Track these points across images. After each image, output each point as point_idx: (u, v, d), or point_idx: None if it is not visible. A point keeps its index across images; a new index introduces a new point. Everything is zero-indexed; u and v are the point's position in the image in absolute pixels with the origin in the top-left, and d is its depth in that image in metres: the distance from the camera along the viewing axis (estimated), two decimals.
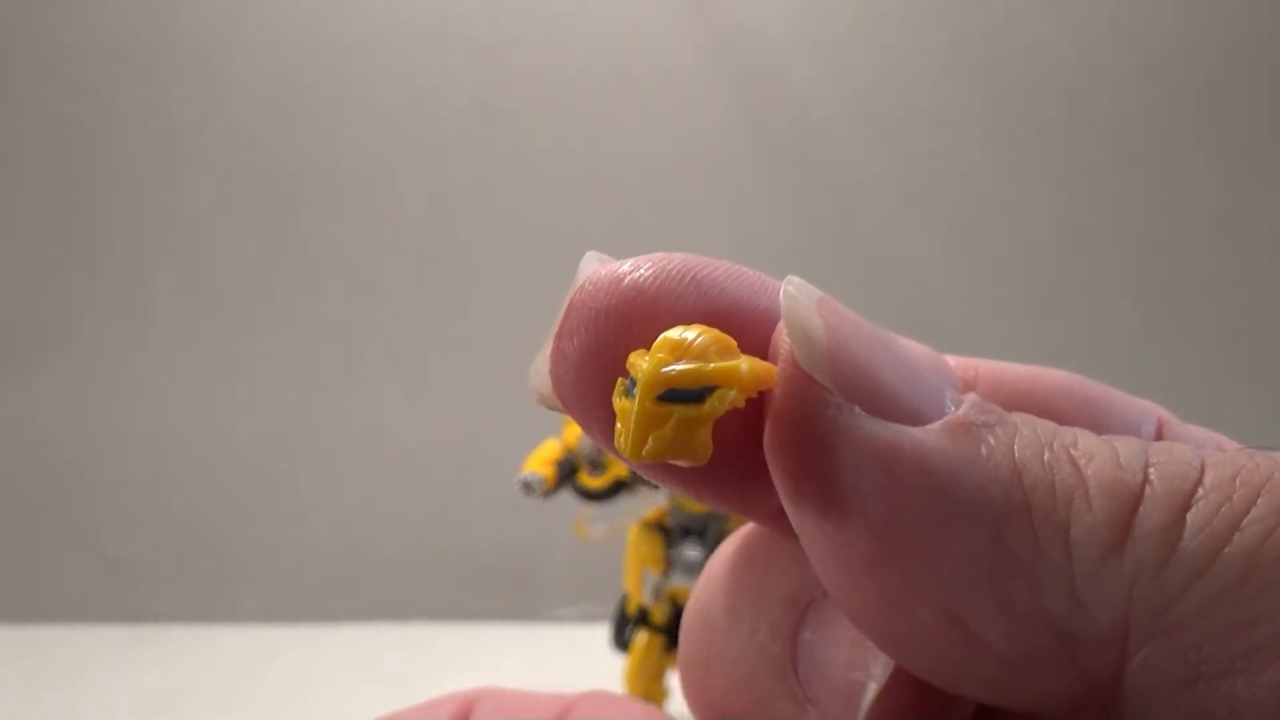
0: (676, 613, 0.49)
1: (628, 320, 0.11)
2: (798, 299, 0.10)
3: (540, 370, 0.11)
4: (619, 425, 0.10)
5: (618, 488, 0.49)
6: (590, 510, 0.50)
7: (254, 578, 0.77)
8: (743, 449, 0.11)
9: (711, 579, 0.13)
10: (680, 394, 0.10)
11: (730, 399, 0.10)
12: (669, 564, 0.47)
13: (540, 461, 0.46)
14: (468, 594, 0.76)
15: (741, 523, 0.40)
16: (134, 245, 0.81)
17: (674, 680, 0.51)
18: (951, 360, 0.12)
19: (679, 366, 0.10)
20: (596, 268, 0.11)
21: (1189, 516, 0.09)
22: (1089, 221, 0.83)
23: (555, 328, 0.11)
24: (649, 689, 0.48)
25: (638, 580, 0.48)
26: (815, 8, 0.82)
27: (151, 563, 0.77)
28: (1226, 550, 0.09)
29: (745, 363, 0.10)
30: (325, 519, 0.79)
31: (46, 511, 0.78)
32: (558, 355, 0.11)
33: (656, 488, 0.46)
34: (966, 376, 0.12)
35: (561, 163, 0.82)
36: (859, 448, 0.10)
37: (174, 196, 0.81)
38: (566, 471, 0.47)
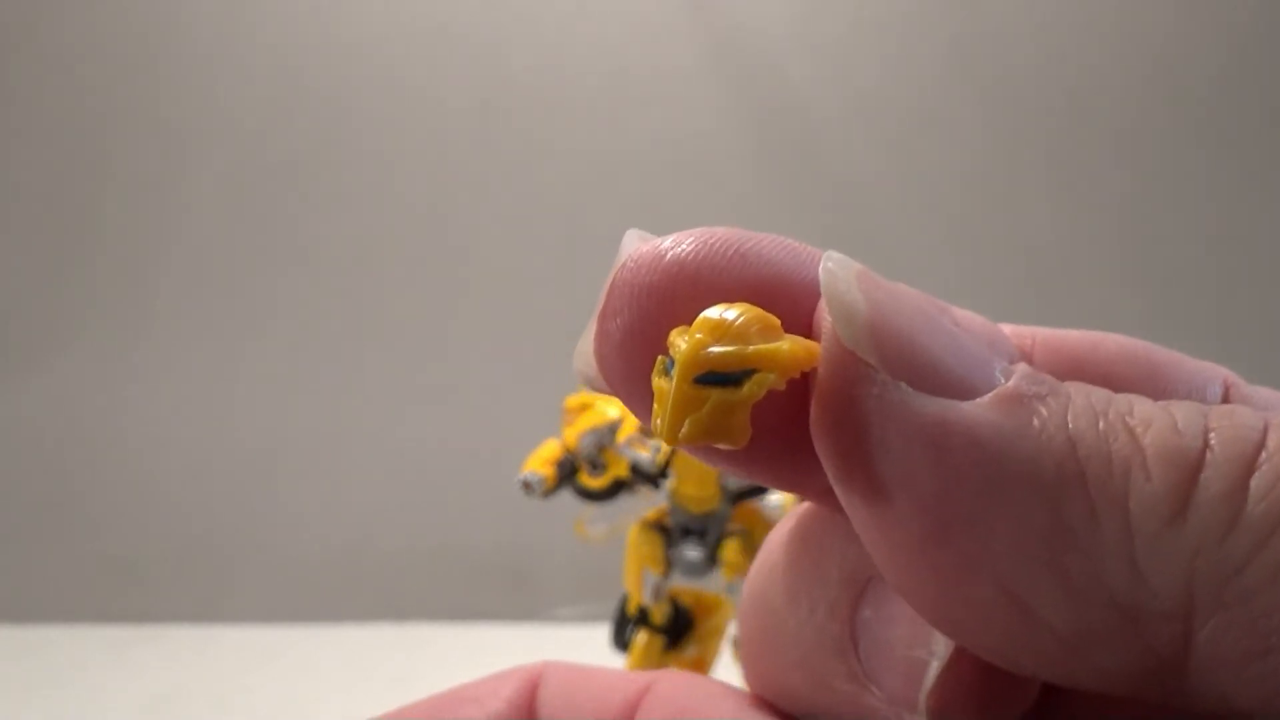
0: (677, 613, 0.49)
1: (670, 297, 0.10)
2: (837, 274, 0.10)
3: (585, 351, 0.11)
4: (656, 406, 0.10)
5: (618, 488, 0.49)
6: (590, 510, 0.50)
7: (254, 578, 0.77)
8: (789, 427, 0.10)
9: (768, 558, 0.12)
10: (719, 377, 0.10)
11: (769, 382, 0.10)
12: (669, 564, 0.47)
13: (540, 461, 0.46)
14: (468, 594, 0.76)
15: (740, 522, 0.40)
16: (134, 245, 0.81)
17: None
18: (1007, 329, 0.12)
19: (718, 348, 0.10)
20: (638, 245, 0.11)
21: (1252, 482, 0.09)
22: (1089, 221, 0.83)
23: (598, 307, 0.11)
24: None
25: (638, 580, 0.48)
26: (815, 8, 0.82)
27: (151, 563, 0.77)
28: None
29: (787, 344, 0.10)
30: (325, 519, 0.79)
31: (46, 511, 0.78)
32: (601, 335, 0.11)
33: (657, 487, 0.46)
34: (1023, 344, 0.12)
35: (561, 163, 0.82)
36: (906, 425, 0.09)
37: (174, 196, 0.81)
38: (566, 471, 0.47)
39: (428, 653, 0.69)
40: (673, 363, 0.10)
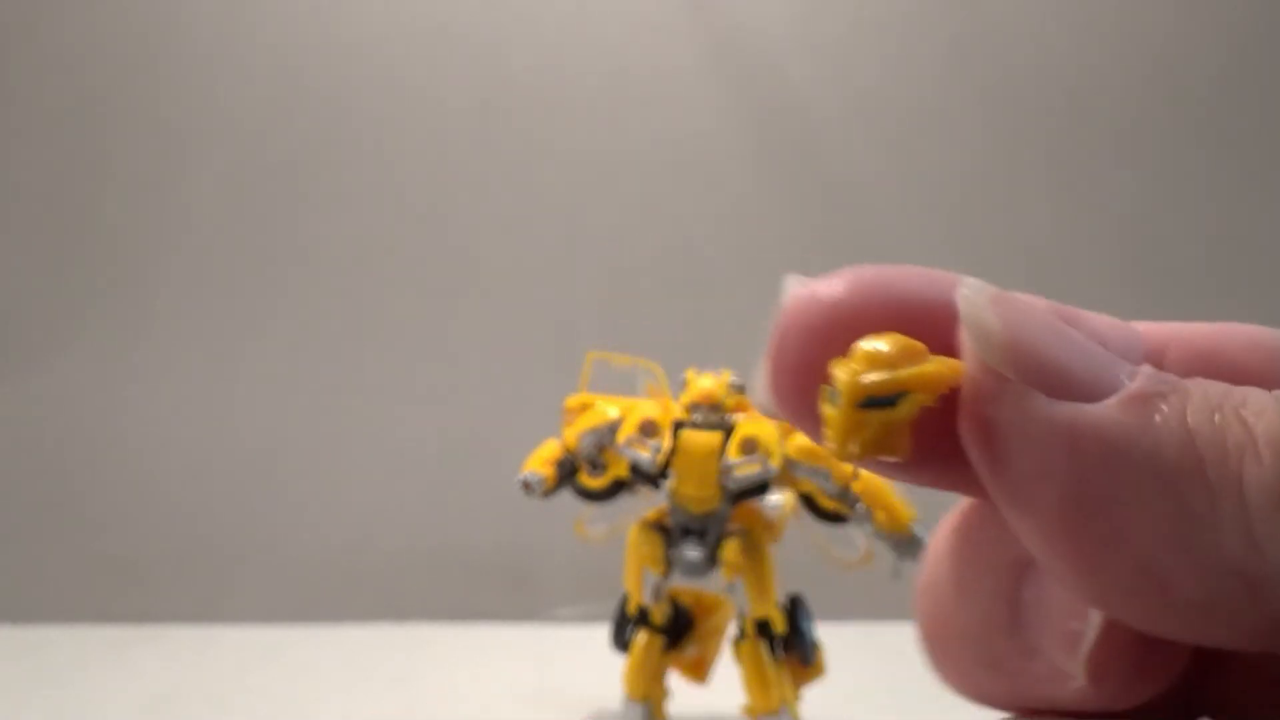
0: (677, 613, 0.49)
1: (829, 334, 0.12)
2: (973, 300, 0.12)
3: (761, 385, 0.13)
4: (827, 430, 0.12)
5: (618, 488, 0.49)
6: (590, 510, 0.50)
7: (254, 578, 0.77)
8: (946, 435, 0.12)
9: (936, 553, 0.14)
10: (877, 401, 0.11)
11: (921, 401, 0.11)
12: (669, 564, 0.47)
13: (540, 461, 0.46)
14: (468, 594, 0.76)
15: (740, 522, 0.40)
16: (134, 245, 0.81)
17: (674, 680, 0.51)
18: (1141, 326, 0.13)
19: (873, 376, 0.11)
20: (797, 289, 0.12)
21: None
22: (1089, 221, 0.83)
23: (768, 347, 0.12)
24: (649, 689, 0.48)
25: (638, 580, 0.48)
26: (815, 8, 0.82)
27: (151, 563, 0.77)
28: None
29: (933, 365, 0.11)
30: (325, 519, 0.79)
31: (46, 511, 0.78)
32: (773, 371, 0.12)
33: (657, 487, 0.46)
34: (1156, 342, 0.13)
35: (561, 163, 0.82)
36: (1042, 428, 0.11)
37: (174, 196, 0.81)
38: (566, 471, 0.47)
39: (428, 653, 0.69)
40: (836, 392, 0.11)
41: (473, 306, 0.81)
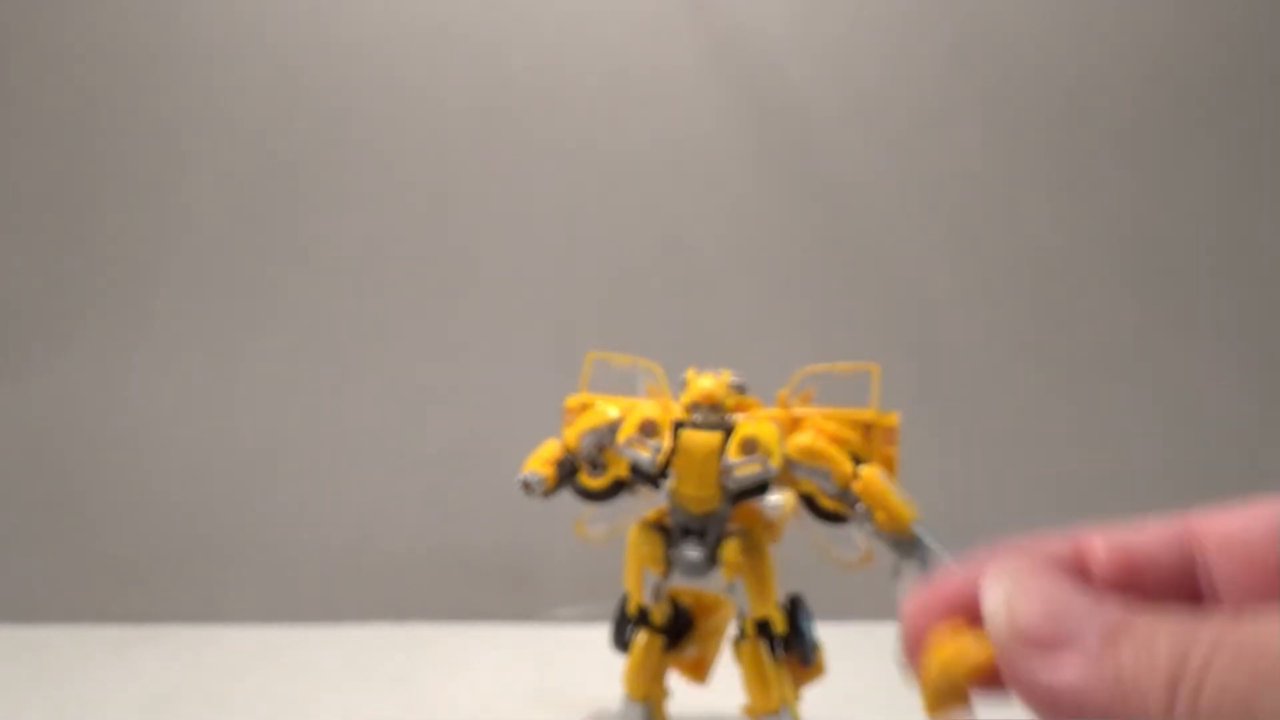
0: (677, 613, 0.49)
1: (934, 617, 0.20)
2: (989, 601, 0.18)
3: (898, 649, 0.20)
4: (920, 697, 0.19)
5: (618, 488, 0.49)
6: (590, 510, 0.50)
7: (254, 578, 0.77)
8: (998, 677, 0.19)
9: None
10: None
11: (966, 677, 0.18)
12: (669, 564, 0.47)
13: (540, 461, 0.46)
14: (468, 594, 0.76)
15: (740, 522, 0.40)
16: (135, 245, 0.81)
17: (674, 680, 0.51)
18: (1198, 523, 0.19)
19: (938, 672, 0.19)
20: (912, 591, 0.20)
21: (1205, 684, 0.15)
22: (1089, 221, 0.83)
23: (900, 625, 0.20)
24: (649, 689, 0.48)
25: (638, 580, 0.48)
26: (815, 8, 0.83)
27: (151, 563, 0.77)
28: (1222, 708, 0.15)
29: (976, 652, 0.18)
30: (325, 519, 0.79)
31: (46, 511, 0.78)
32: (903, 643, 0.20)
33: (657, 487, 0.46)
34: (1201, 533, 0.19)
35: (561, 163, 0.82)
36: (1035, 681, 0.17)
37: (175, 197, 0.81)
38: (566, 471, 0.47)
39: (428, 653, 0.69)
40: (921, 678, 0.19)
41: (473, 306, 0.81)
